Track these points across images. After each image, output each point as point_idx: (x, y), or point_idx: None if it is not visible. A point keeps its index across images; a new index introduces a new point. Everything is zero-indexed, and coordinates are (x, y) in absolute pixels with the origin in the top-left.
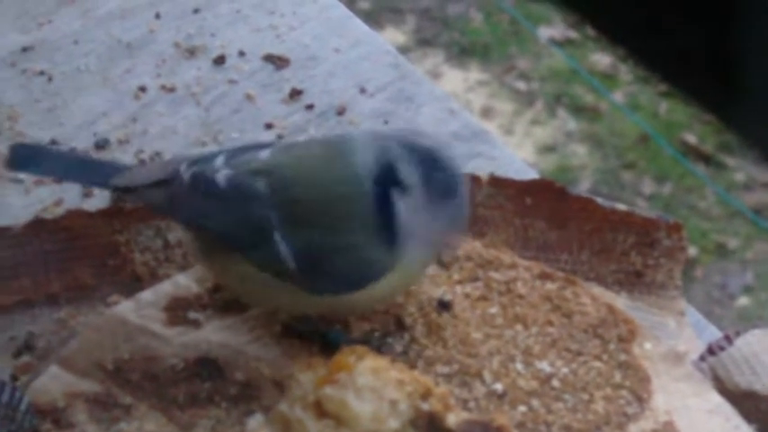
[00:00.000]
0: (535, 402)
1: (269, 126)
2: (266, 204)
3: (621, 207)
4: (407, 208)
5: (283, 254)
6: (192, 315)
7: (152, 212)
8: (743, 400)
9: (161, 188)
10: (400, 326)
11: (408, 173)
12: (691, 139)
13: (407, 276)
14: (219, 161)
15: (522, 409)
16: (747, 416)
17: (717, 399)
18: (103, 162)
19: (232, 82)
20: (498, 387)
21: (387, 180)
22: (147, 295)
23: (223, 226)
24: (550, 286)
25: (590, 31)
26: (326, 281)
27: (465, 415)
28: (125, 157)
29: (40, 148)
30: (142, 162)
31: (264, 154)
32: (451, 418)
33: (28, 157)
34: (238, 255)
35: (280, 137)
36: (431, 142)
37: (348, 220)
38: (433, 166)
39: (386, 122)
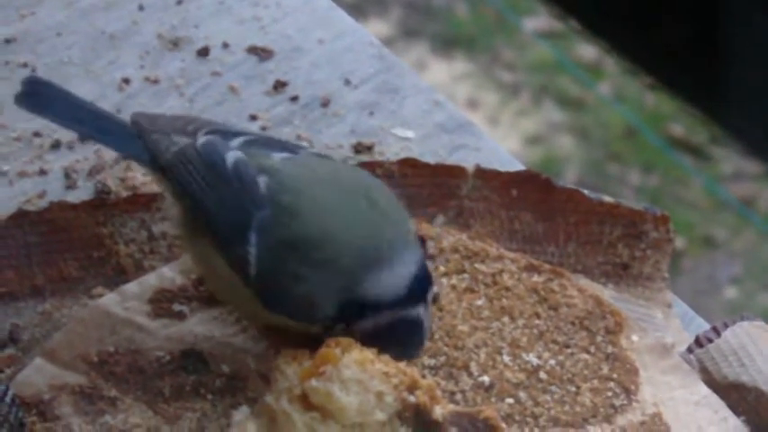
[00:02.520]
0: (522, 394)
1: (253, 118)
2: (256, 201)
3: (608, 199)
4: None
5: (250, 256)
6: (178, 307)
7: (128, 197)
8: (730, 392)
9: (172, 140)
10: None
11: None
12: (678, 130)
13: None
14: (237, 142)
15: (509, 401)
16: (735, 407)
17: (704, 390)
18: (119, 122)
19: (216, 74)
20: (485, 379)
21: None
22: (131, 287)
23: (208, 203)
24: (537, 278)
25: (575, 23)
26: (280, 301)
27: (452, 407)
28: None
29: (56, 90)
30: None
31: (279, 157)
32: (438, 411)
33: (40, 97)
34: (213, 241)
35: (264, 129)
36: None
37: (334, 273)
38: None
39: (371, 114)
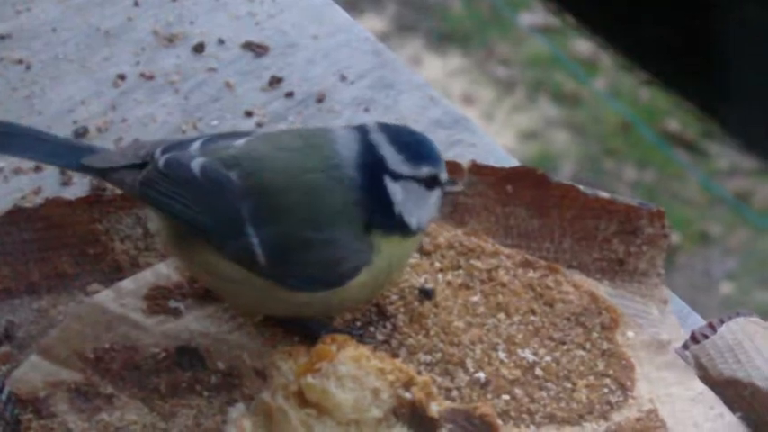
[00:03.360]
0: (518, 391)
1: (248, 114)
2: (237, 195)
3: (603, 194)
4: (402, 194)
5: (254, 247)
6: (173, 304)
7: (123, 193)
8: (726, 388)
9: (134, 170)
10: (382, 314)
11: (395, 161)
12: (673, 125)
13: (387, 269)
14: (195, 147)
15: (505, 397)
16: (730, 403)
17: (700, 387)
18: (78, 144)
19: (211, 70)
20: (481, 376)
21: (375, 167)
22: (127, 284)
23: (194, 215)
24: (532, 274)
25: (571, 18)
26: (300, 277)
27: (448, 404)
28: (104, 144)
29: (14, 127)
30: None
31: (240, 142)
32: (434, 407)
33: (7, 139)
34: (209, 246)
35: (259, 125)
36: (408, 128)
37: (325, 211)
38: (417, 153)
39: (366, 110)
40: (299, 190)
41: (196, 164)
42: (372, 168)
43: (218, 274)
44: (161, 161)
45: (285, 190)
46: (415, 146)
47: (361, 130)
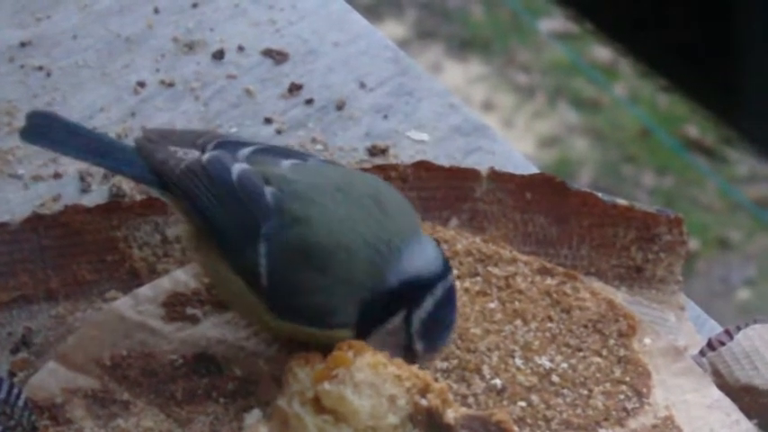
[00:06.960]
0: (534, 398)
1: (268, 120)
2: (264, 211)
3: (622, 202)
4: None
5: (261, 267)
6: (191, 311)
7: (143, 199)
8: (743, 395)
9: (183, 154)
10: None
11: (417, 335)
12: (692, 131)
13: None
14: (244, 153)
15: (522, 404)
16: (747, 411)
17: (716, 394)
18: (124, 146)
19: (231, 77)
20: (497, 382)
21: (407, 303)
22: (145, 291)
23: (220, 217)
24: (550, 281)
25: (590, 24)
26: (291, 309)
27: (464, 410)
28: None
29: (58, 121)
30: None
31: (287, 164)
32: (450, 414)
33: (44, 130)
34: (220, 254)
35: (279, 132)
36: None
37: (342, 270)
38: (434, 345)
39: (385, 117)
40: (329, 244)
41: (237, 168)
42: (401, 298)
43: (222, 283)
44: (207, 155)
45: (315, 237)
46: (438, 340)
47: (436, 277)
